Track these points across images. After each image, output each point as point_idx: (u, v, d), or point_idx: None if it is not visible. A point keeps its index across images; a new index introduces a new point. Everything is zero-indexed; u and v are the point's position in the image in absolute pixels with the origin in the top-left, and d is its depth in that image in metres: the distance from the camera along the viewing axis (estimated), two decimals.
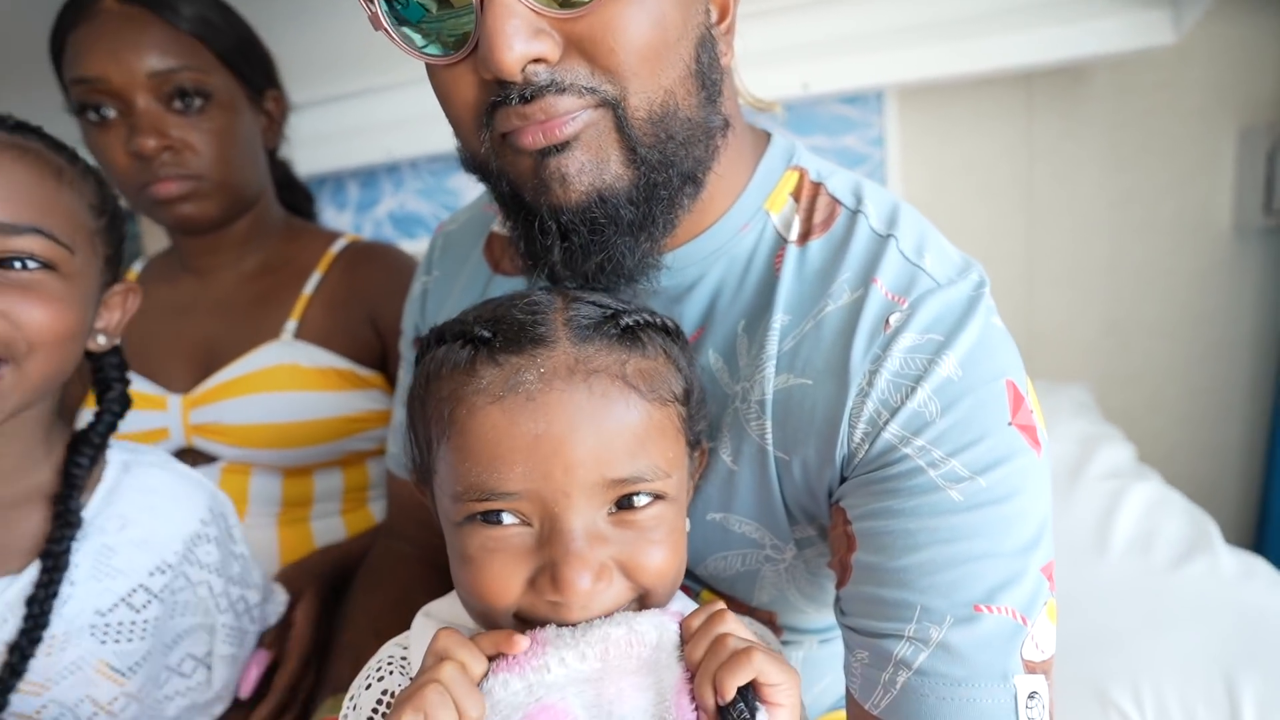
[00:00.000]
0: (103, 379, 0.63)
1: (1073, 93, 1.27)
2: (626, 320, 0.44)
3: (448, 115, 0.48)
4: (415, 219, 1.69)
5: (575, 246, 0.46)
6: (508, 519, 0.41)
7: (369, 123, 1.52)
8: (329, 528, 0.88)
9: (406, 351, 0.73)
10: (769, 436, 0.50)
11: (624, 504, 0.42)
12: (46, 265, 0.51)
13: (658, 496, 0.43)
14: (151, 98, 0.76)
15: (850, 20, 1.23)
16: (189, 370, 0.86)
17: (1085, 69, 1.24)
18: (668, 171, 0.46)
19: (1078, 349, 1.34)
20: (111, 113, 0.76)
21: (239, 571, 0.66)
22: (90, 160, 0.61)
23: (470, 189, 1.64)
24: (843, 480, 0.48)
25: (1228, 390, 1.28)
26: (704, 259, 0.54)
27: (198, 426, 0.82)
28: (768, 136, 0.57)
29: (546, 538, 0.41)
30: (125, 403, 0.63)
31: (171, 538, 0.59)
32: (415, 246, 1.67)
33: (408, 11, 0.44)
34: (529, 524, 0.41)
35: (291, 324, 0.86)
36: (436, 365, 0.45)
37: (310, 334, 0.86)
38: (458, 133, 0.49)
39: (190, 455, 0.84)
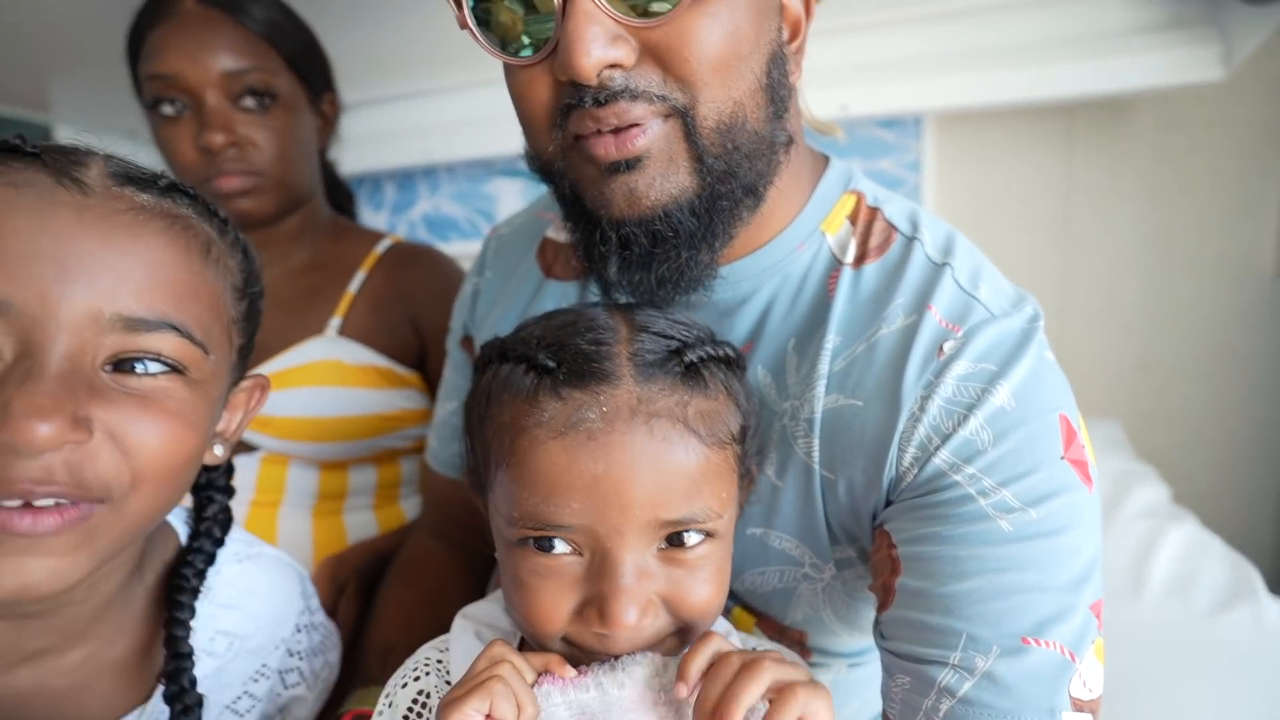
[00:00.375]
0: (204, 490, 0.53)
1: (1115, 126, 1.26)
2: (690, 357, 0.44)
3: (520, 114, 0.49)
4: (449, 222, 1.71)
5: (634, 257, 0.47)
6: (560, 546, 0.42)
7: (408, 126, 1.54)
8: (362, 522, 0.89)
9: (453, 349, 0.74)
10: (816, 455, 0.49)
11: (674, 540, 0.42)
12: (174, 368, 0.41)
13: (708, 535, 0.43)
14: (221, 95, 0.79)
15: (891, 45, 1.24)
16: None
17: (1129, 102, 1.23)
18: (731, 182, 0.47)
19: (1109, 385, 1.33)
20: (183, 108, 0.79)
21: (320, 640, 0.62)
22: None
23: (505, 194, 1.66)
24: (888, 503, 0.48)
25: (1269, 435, 1.26)
26: (758, 274, 0.54)
27: None
28: (826, 159, 0.58)
29: (597, 570, 0.41)
30: (227, 524, 0.54)
31: (272, 641, 0.55)
32: (448, 249, 1.69)
33: (491, 14, 0.46)
34: (580, 554, 0.42)
35: (336, 320, 0.87)
36: (499, 386, 0.45)
37: (353, 331, 0.87)
38: (528, 132, 0.50)
39: None
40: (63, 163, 0.38)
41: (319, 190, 0.94)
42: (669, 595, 0.42)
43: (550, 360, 0.43)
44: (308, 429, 0.82)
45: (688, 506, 0.41)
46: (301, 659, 0.58)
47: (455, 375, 0.73)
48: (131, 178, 0.41)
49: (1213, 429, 1.28)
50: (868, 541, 0.50)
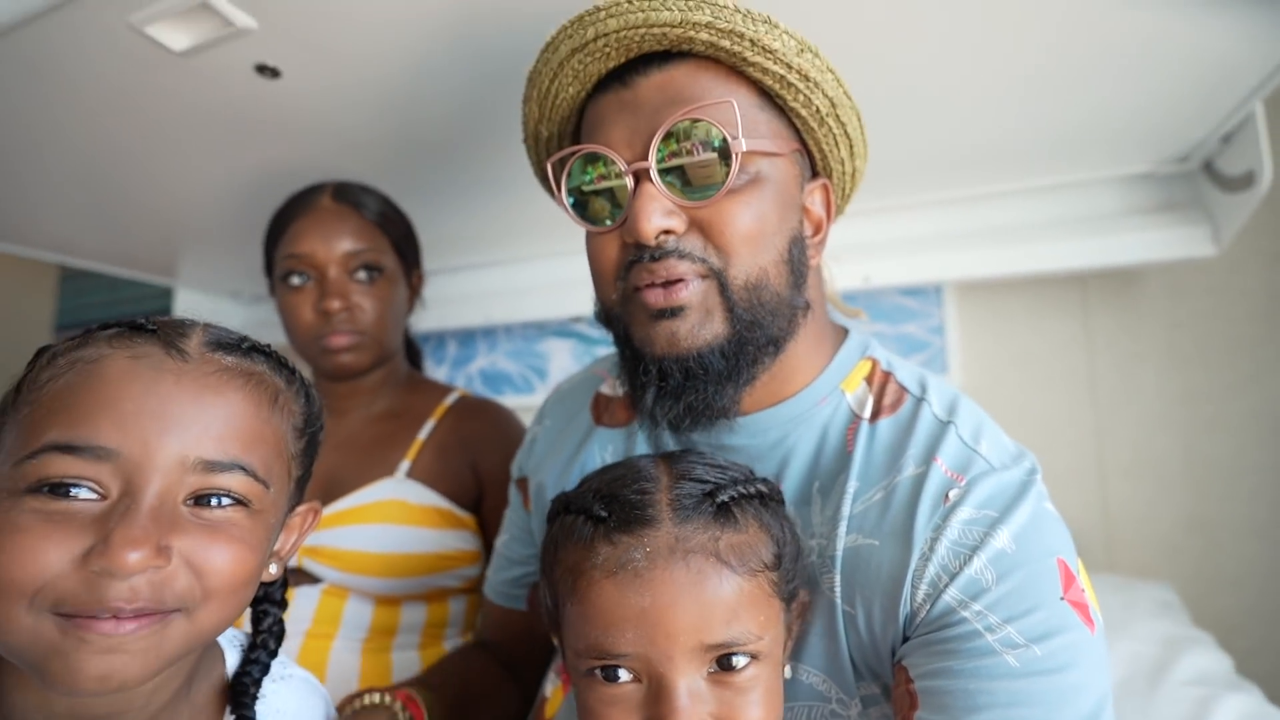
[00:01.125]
0: (260, 603, 0.59)
1: (1127, 293, 1.34)
2: (722, 497, 0.51)
3: (594, 269, 0.62)
4: (504, 377, 1.85)
5: (669, 388, 0.57)
6: (623, 675, 0.48)
7: (472, 291, 1.73)
8: (407, 660, 0.92)
9: (512, 492, 0.82)
10: (837, 590, 0.54)
11: (724, 664, 0.48)
12: (240, 502, 0.47)
13: (754, 656, 0.49)
14: (341, 270, 0.97)
15: (909, 225, 1.37)
16: (310, 497, 0.96)
17: (1138, 272, 1.32)
18: (756, 331, 0.57)
19: (1159, 545, 1.29)
20: (307, 279, 0.97)
21: None
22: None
23: (557, 353, 1.80)
24: (905, 639, 0.51)
25: None
26: (784, 424, 0.62)
27: (310, 549, 0.91)
28: (846, 331, 0.68)
29: (655, 695, 0.47)
30: (280, 635, 0.59)
31: None
32: (502, 402, 1.82)
33: (585, 203, 0.60)
34: (639, 680, 0.48)
35: (405, 464, 0.97)
36: (565, 534, 0.54)
37: (420, 474, 0.96)
38: (597, 284, 0.62)
39: (297, 574, 0.92)
40: (171, 335, 0.48)
41: (402, 349, 1.09)
42: (722, 716, 0.47)
43: (603, 510, 0.52)
44: (371, 563, 0.88)
45: (727, 630, 0.47)
46: None
47: (510, 511, 0.82)
48: (222, 344, 0.50)
49: (1278, 593, 1.22)
50: (889, 678, 0.52)
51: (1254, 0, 0.73)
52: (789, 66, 0.55)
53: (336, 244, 0.96)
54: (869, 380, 0.63)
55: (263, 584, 0.58)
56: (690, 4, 0.53)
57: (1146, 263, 1.19)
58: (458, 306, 1.74)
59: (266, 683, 0.58)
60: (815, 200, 0.63)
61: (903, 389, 0.61)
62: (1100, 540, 1.32)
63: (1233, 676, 0.86)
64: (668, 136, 0.55)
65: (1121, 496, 1.32)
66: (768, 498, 0.55)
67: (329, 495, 0.95)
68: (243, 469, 0.47)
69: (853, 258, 1.37)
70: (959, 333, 1.45)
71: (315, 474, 0.96)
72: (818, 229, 0.63)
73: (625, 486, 0.53)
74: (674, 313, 0.55)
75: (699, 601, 0.47)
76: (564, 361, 1.76)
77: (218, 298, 2.04)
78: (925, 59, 0.84)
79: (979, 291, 1.44)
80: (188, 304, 1.96)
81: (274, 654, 0.58)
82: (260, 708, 0.56)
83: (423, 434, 1.00)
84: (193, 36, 0.76)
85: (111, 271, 1.70)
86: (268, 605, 0.59)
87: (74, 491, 0.42)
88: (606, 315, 0.62)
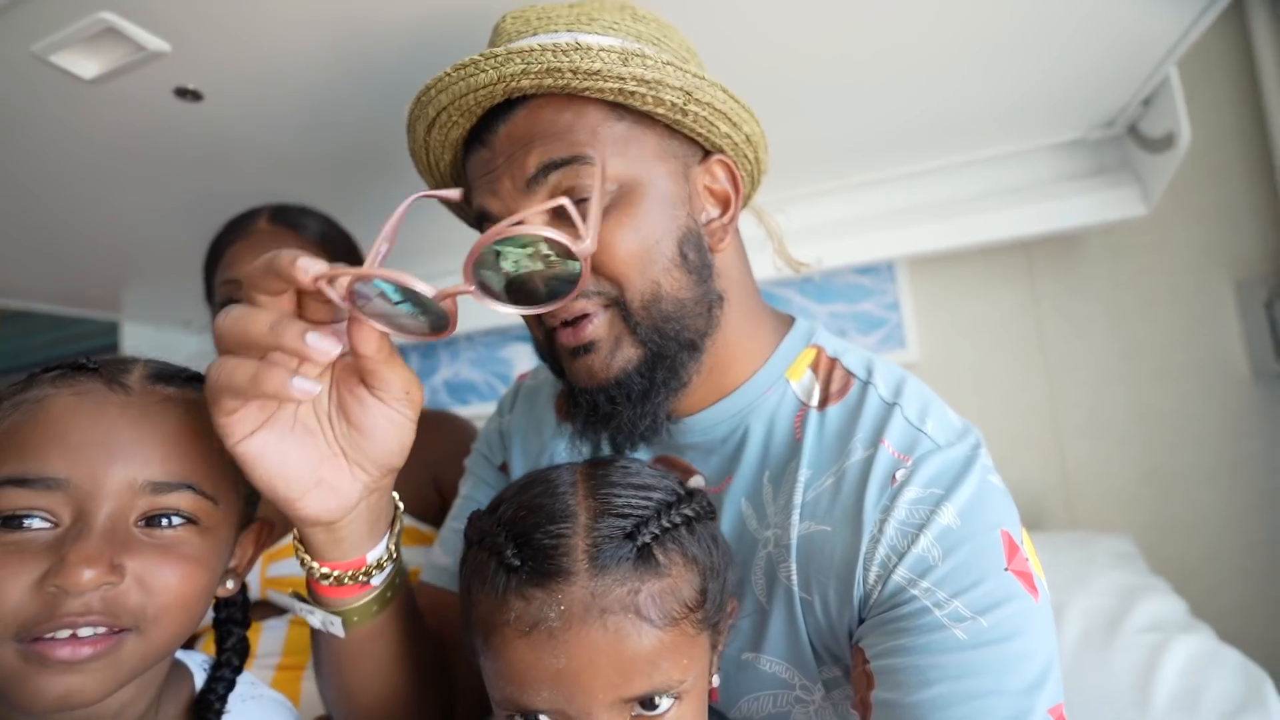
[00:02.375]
0: (223, 623, 0.60)
1: (1069, 256, 1.38)
2: (644, 538, 0.49)
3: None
4: (469, 386, 1.83)
5: (597, 416, 0.59)
6: None
7: None
8: None
9: (477, 468, 0.80)
10: (794, 578, 0.55)
11: (646, 704, 0.47)
12: (189, 520, 0.49)
13: (676, 697, 0.48)
14: None
15: (858, 204, 1.39)
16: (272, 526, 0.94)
17: (1078, 236, 1.36)
18: (668, 341, 0.57)
19: (1116, 498, 1.34)
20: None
21: None
22: None
23: (519, 358, 1.79)
24: (860, 621, 0.52)
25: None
26: (731, 417, 0.62)
27: (272, 580, 0.89)
28: (791, 320, 0.68)
29: None
30: (244, 653, 0.60)
31: None
32: (468, 411, 1.81)
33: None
34: None
35: None
36: (478, 578, 0.51)
37: None
38: (529, 326, 0.63)
39: (263, 607, 0.90)
40: (113, 372, 0.50)
41: None
42: None
43: (515, 559, 0.49)
44: None
45: (648, 683, 0.47)
46: None
47: (485, 492, 0.77)
48: (162, 375, 0.52)
49: (1231, 536, 1.27)
50: (849, 660, 0.53)
51: None
52: (621, 78, 0.54)
53: None
54: (814, 367, 0.64)
55: (224, 602, 0.60)
56: (499, 59, 0.53)
57: (1085, 226, 1.22)
58: None
59: (236, 701, 0.59)
60: (718, 177, 0.62)
61: (849, 374, 0.62)
62: (1061, 499, 1.36)
63: (1186, 619, 0.89)
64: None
65: (1078, 454, 1.36)
66: (695, 520, 0.53)
67: (287, 523, 0.93)
68: (190, 487, 0.49)
69: (806, 239, 1.38)
70: (913, 307, 1.48)
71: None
72: (726, 205, 0.63)
73: (539, 526, 0.50)
74: (586, 349, 0.57)
75: (617, 660, 0.46)
76: (527, 365, 1.75)
77: (168, 329, 1.99)
78: (860, 40, 0.85)
79: (929, 265, 1.47)
80: (135, 337, 1.91)
81: (238, 670, 0.59)
82: None
83: None
84: (102, 63, 0.74)
85: (53, 311, 1.65)
86: (230, 625, 0.60)
87: (27, 522, 0.44)
88: (540, 354, 0.64)
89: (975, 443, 0.56)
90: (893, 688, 0.47)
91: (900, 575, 0.50)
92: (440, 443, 1.00)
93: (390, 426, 0.48)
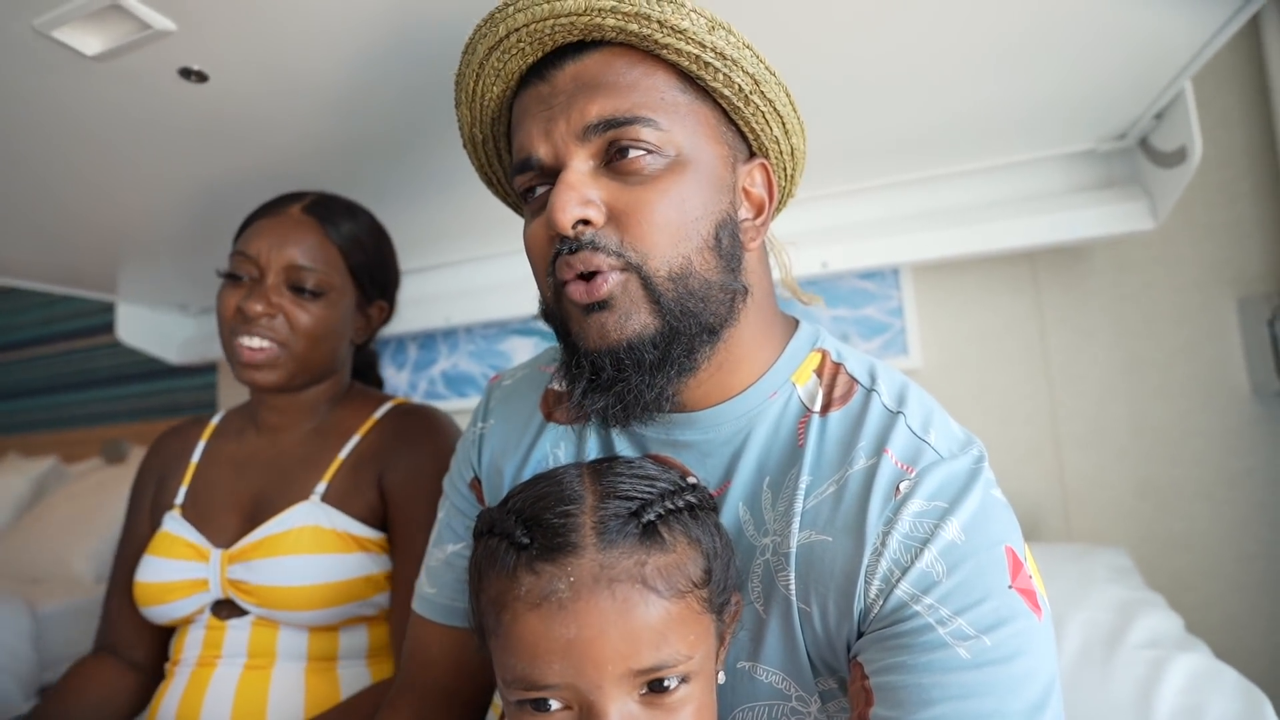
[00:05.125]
0: None
1: (1075, 268, 1.37)
2: (649, 516, 0.51)
3: (530, 263, 0.60)
4: (466, 378, 1.82)
5: (601, 381, 0.56)
6: (553, 704, 0.48)
7: (431, 293, 1.70)
8: (356, 675, 0.89)
9: (450, 490, 0.76)
10: (793, 588, 0.54)
11: (655, 686, 0.48)
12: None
13: (684, 677, 0.49)
14: (279, 279, 0.91)
15: (865, 209, 1.39)
16: (234, 525, 0.91)
17: (1084, 248, 1.35)
18: (689, 320, 0.55)
19: (1113, 511, 1.34)
20: (247, 280, 0.92)
21: None
22: None
23: (518, 351, 1.78)
24: (860, 635, 0.51)
25: (1276, 554, 1.25)
26: (735, 419, 0.61)
27: (233, 582, 0.86)
28: (796, 323, 0.67)
29: None
30: None
31: None
32: (467, 403, 1.80)
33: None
34: (571, 708, 0.48)
35: (321, 486, 0.91)
36: (489, 560, 0.53)
37: (333, 496, 0.90)
38: (536, 278, 0.61)
39: (227, 607, 0.87)
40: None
41: (346, 369, 1.03)
42: None
43: (525, 537, 0.50)
44: (288, 597, 0.84)
45: (656, 655, 0.47)
46: None
47: (459, 519, 0.74)
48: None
49: (1226, 552, 1.27)
50: (846, 673, 0.53)
51: None
52: (702, 45, 0.54)
53: (284, 252, 0.91)
54: (819, 372, 0.63)
55: None
56: None
57: (1092, 238, 1.22)
58: (416, 310, 1.70)
59: None
60: (755, 180, 0.62)
61: (853, 380, 0.61)
62: (1058, 511, 1.36)
63: (1183, 636, 0.89)
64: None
65: (1077, 467, 1.36)
66: (697, 508, 0.54)
67: (251, 522, 0.90)
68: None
69: (811, 244, 1.38)
70: (917, 314, 1.48)
71: (241, 499, 0.94)
72: (760, 210, 0.62)
73: (548, 509, 0.52)
74: (601, 306, 0.54)
75: (626, 630, 0.47)
76: (526, 358, 1.74)
77: (164, 311, 1.97)
78: (873, 47, 0.84)
79: (934, 272, 1.46)
80: (131, 319, 1.89)
81: None
82: None
83: (344, 452, 0.94)
84: (106, 40, 0.72)
85: (47, 289, 1.63)
86: None
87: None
88: (546, 313, 0.61)
89: (979, 455, 0.55)
90: (893, 706, 0.47)
91: (903, 590, 0.49)
92: (393, 441, 0.95)
93: None
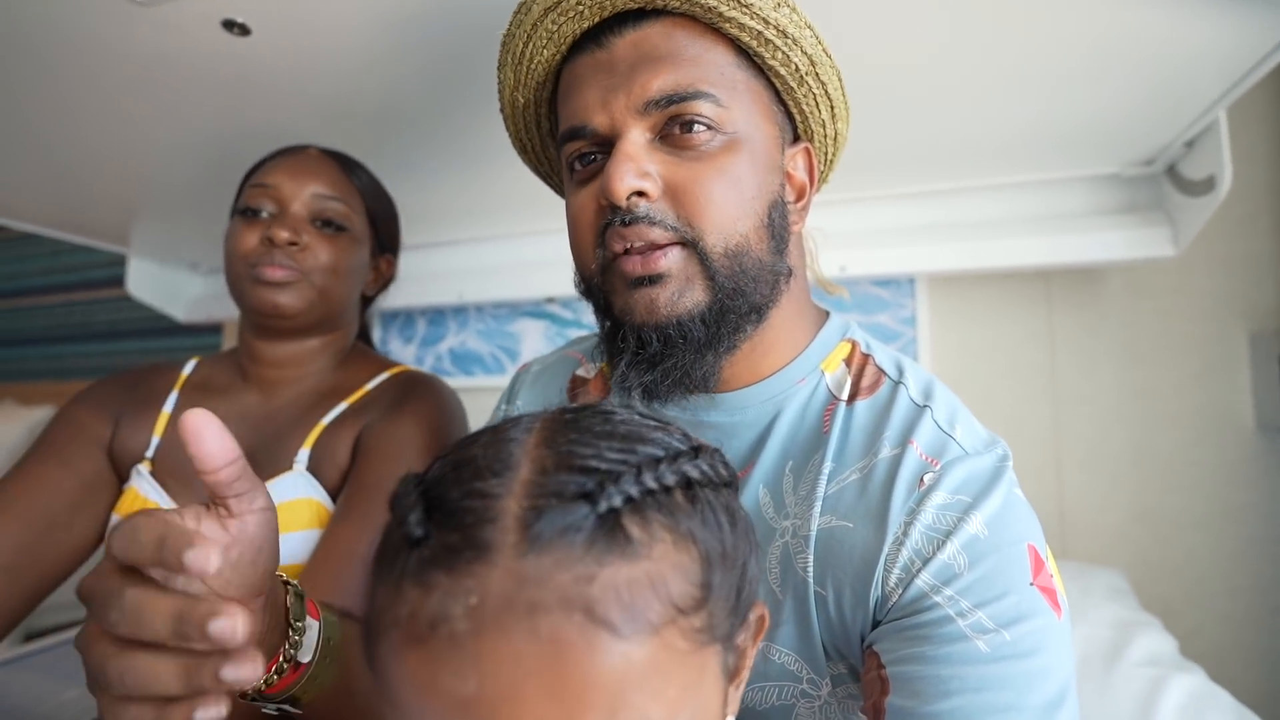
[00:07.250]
0: None
1: (1089, 290, 1.38)
2: (609, 502, 0.31)
3: (572, 235, 0.60)
4: (474, 357, 1.82)
5: (645, 356, 0.55)
6: None
7: (445, 269, 1.70)
8: None
9: None
10: (811, 570, 0.54)
11: None
12: None
13: None
14: (304, 209, 0.88)
15: (885, 216, 1.39)
16: None
17: (1100, 270, 1.36)
18: (739, 299, 0.56)
19: (1110, 534, 1.35)
20: (265, 214, 0.88)
21: None
22: None
23: (528, 334, 1.78)
24: (875, 624, 0.52)
25: (1271, 590, 1.26)
26: (763, 402, 0.61)
27: None
28: (827, 314, 0.68)
29: None
30: None
31: None
32: (472, 382, 1.80)
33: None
34: None
35: (304, 453, 0.83)
36: (377, 559, 0.35)
37: (314, 464, 0.82)
38: (576, 252, 0.60)
39: None
40: None
41: (351, 328, 0.99)
42: None
43: (419, 527, 0.32)
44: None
45: None
46: None
47: None
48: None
49: (1216, 582, 1.28)
50: (857, 660, 0.53)
51: (1222, 11, 0.75)
52: (766, 21, 0.53)
53: (307, 183, 0.89)
54: (848, 362, 0.63)
55: None
56: None
57: (1109, 261, 1.22)
58: (428, 284, 1.70)
59: None
60: (798, 165, 0.62)
61: (881, 372, 0.62)
62: (1056, 529, 1.37)
63: (1179, 658, 0.90)
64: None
65: (1076, 488, 1.37)
66: (700, 484, 0.36)
67: None
68: None
69: (830, 247, 1.38)
70: (929, 324, 1.48)
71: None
72: (800, 194, 0.62)
73: (464, 480, 0.33)
74: (653, 280, 0.54)
75: (557, 689, 0.28)
76: (536, 343, 1.75)
77: (174, 268, 1.96)
78: (906, 61, 0.85)
79: (949, 284, 1.47)
80: (141, 273, 1.88)
81: None
82: None
83: (329, 418, 0.85)
84: None
85: (56, 236, 1.62)
86: None
87: None
88: (586, 286, 0.60)
89: (1003, 454, 0.56)
90: (910, 695, 0.47)
91: (923, 581, 0.49)
92: (380, 397, 0.88)
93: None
